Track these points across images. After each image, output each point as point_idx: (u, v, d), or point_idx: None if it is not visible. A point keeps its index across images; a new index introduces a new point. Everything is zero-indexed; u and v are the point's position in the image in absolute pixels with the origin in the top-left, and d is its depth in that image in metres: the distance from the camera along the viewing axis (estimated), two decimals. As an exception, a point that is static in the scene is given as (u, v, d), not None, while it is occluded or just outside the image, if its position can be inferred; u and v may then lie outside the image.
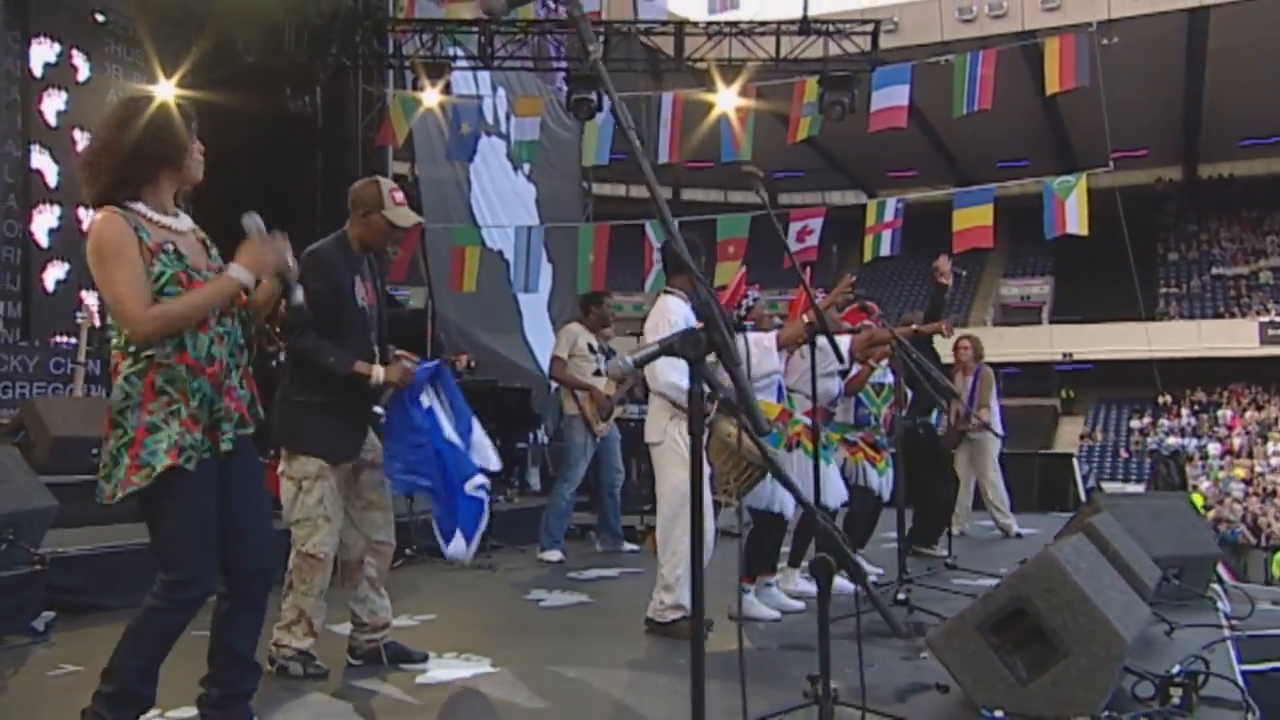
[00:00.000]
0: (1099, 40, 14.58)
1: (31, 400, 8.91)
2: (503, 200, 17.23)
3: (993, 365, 10.50)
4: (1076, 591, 3.79)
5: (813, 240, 14.05)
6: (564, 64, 14.82)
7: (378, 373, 4.56)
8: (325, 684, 4.51)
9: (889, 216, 14.00)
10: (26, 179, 12.16)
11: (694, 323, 5.28)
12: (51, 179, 12.38)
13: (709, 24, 13.93)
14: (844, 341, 6.62)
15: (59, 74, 12.56)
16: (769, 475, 5.83)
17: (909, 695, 4.38)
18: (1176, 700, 3.92)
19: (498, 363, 15.65)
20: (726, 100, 13.62)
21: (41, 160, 12.29)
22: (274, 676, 4.42)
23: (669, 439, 5.38)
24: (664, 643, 5.34)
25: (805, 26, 13.56)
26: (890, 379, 7.58)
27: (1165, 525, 6.59)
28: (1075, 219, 12.96)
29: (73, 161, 11.05)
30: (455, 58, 14.56)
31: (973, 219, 13.44)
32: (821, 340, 6.20)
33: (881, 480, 7.41)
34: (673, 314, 5.48)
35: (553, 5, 15.21)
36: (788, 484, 3.05)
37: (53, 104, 12.46)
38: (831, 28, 13.63)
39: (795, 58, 13.83)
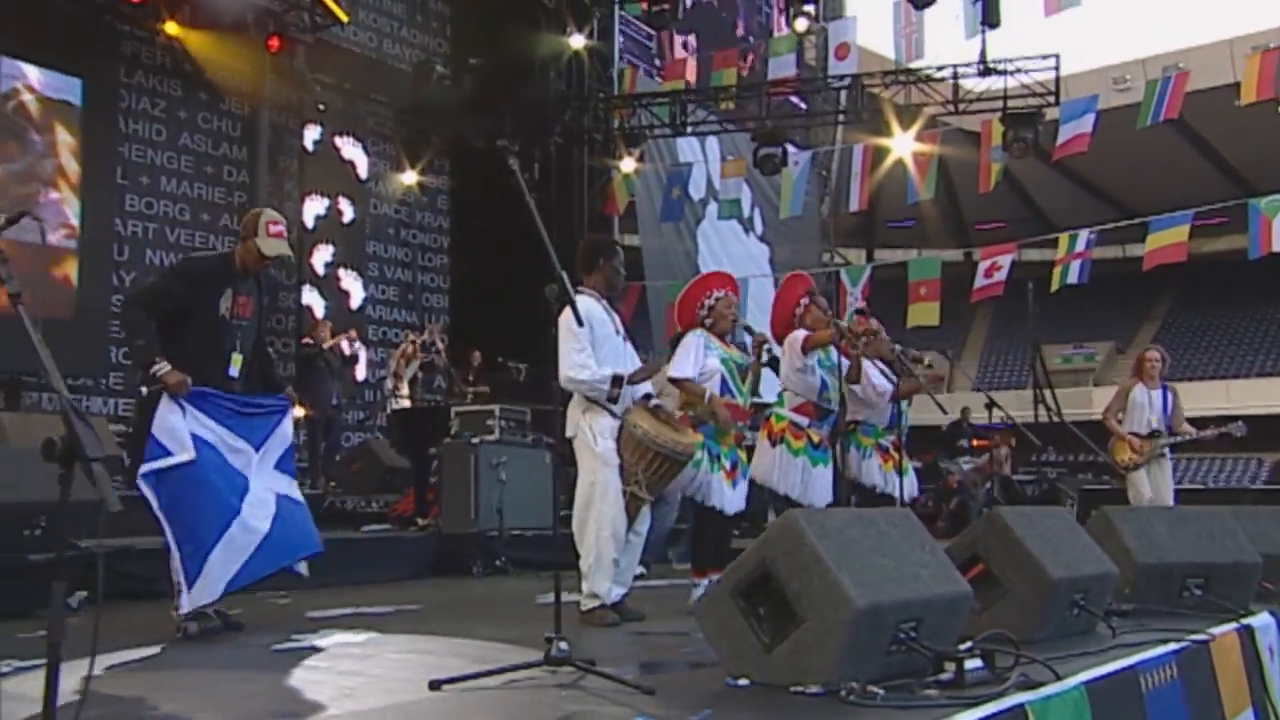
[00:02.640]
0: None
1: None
2: (733, 261, 17.11)
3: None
4: (813, 554, 3.22)
5: (1001, 275, 13.08)
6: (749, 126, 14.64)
7: (161, 369, 4.42)
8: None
9: (1080, 248, 12.84)
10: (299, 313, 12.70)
11: (600, 321, 4.95)
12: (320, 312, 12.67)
13: (887, 73, 13.39)
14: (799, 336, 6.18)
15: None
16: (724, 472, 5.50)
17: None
18: (949, 674, 3.28)
19: None
20: (904, 145, 13.00)
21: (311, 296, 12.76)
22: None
23: (581, 431, 5.00)
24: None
25: (985, 68, 12.74)
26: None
27: (1188, 532, 5.56)
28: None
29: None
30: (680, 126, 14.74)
31: (1167, 239, 12.27)
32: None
33: (910, 482, 6.77)
34: (584, 312, 5.03)
35: (745, 72, 15.14)
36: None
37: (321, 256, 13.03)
38: (1012, 66, 12.74)
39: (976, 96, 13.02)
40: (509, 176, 12.21)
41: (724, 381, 5.52)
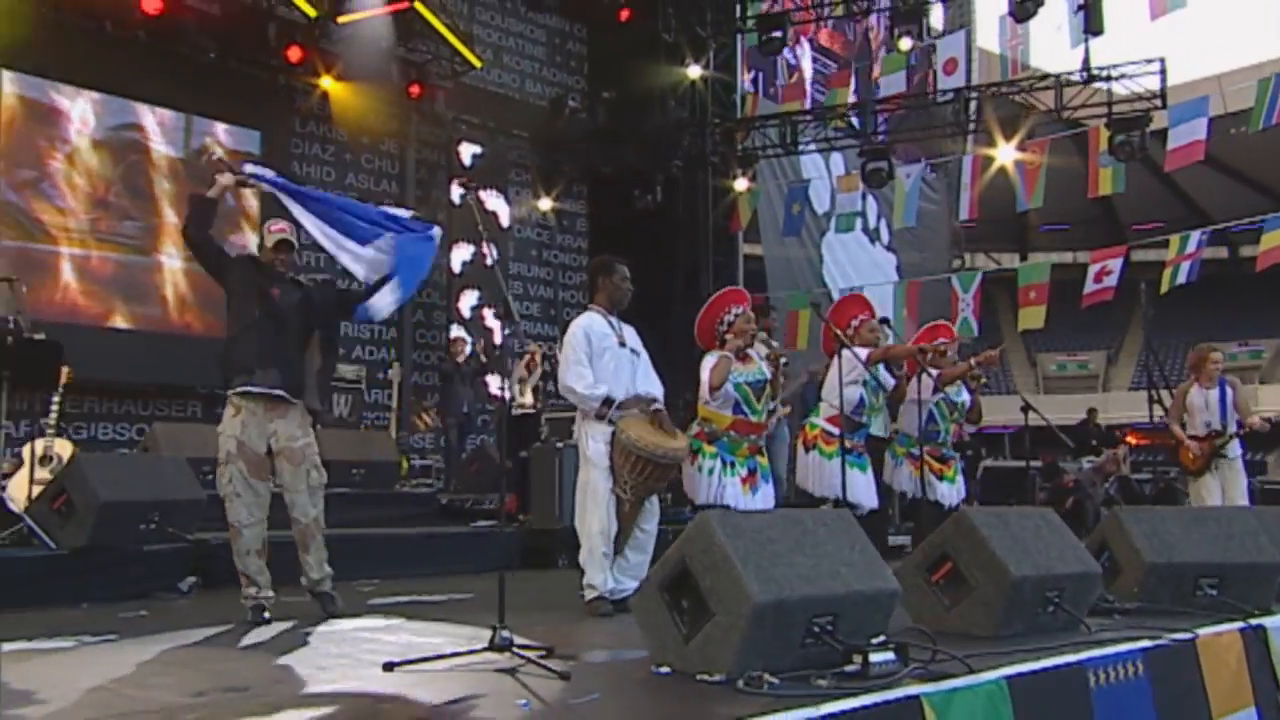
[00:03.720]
0: None
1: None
2: (858, 269, 17.03)
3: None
4: (722, 553, 3.35)
5: (1111, 280, 12.53)
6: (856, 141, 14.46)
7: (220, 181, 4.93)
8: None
9: (1191, 248, 12.18)
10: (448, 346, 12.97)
11: (600, 335, 5.13)
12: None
13: (991, 85, 13.03)
14: (863, 353, 6.16)
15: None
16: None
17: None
18: (855, 666, 3.34)
19: None
20: (1007, 154, 12.62)
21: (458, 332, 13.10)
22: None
23: (579, 436, 5.21)
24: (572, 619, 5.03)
25: (1089, 75, 12.26)
26: (966, 398, 6.86)
27: (1204, 533, 5.33)
28: None
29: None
30: (790, 146, 14.75)
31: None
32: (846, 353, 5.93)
33: (951, 489, 6.67)
34: (580, 328, 5.21)
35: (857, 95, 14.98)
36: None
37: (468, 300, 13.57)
38: (1116, 72, 12.21)
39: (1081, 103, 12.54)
40: (636, 200, 12.52)
41: (738, 402, 5.63)
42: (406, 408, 11.29)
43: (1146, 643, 4.40)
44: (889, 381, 6.27)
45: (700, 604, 3.42)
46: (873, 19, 16.93)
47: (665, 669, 3.44)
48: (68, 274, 10.61)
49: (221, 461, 4.76)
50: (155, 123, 11.41)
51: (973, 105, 13.06)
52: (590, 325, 5.14)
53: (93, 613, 5.02)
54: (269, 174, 5.05)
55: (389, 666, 3.39)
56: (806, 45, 18.04)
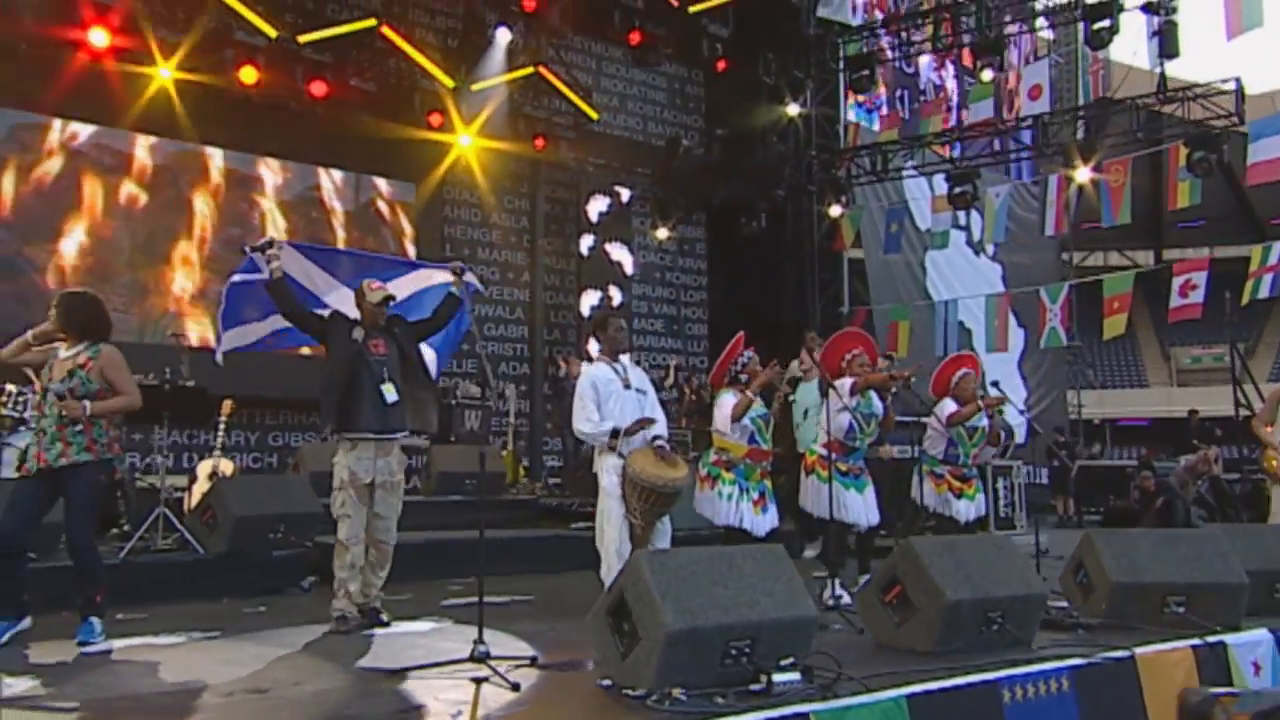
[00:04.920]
0: None
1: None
2: (962, 280, 16.65)
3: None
4: (645, 586, 3.67)
5: (1197, 296, 11.87)
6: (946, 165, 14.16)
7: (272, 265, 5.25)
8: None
9: (1272, 260, 11.44)
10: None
11: (605, 381, 5.40)
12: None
13: (1076, 108, 12.57)
14: (846, 383, 6.25)
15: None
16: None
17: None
18: (760, 685, 3.61)
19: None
20: (1084, 174, 12.18)
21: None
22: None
23: (596, 468, 5.45)
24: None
25: (1164, 95, 11.72)
26: (985, 423, 6.82)
27: (1174, 554, 5.24)
28: None
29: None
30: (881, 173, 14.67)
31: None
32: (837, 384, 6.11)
33: (970, 506, 6.65)
34: (587, 378, 5.49)
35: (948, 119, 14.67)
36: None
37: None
38: (1194, 93, 11.62)
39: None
40: (742, 227, 12.73)
41: (753, 434, 5.89)
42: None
43: (1077, 660, 4.46)
44: (879, 409, 6.35)
45: (632, 629, 3.75)
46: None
47: (607, 681, 3.77)
48: (259, 311, 11.76)
49: (336, 488, 5.14)
50: (329, 182, 12.46)
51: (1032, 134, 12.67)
52: (596, 375, 5.44)
53: (229, 606, 5.79)
54: (303, 245, 5.63)
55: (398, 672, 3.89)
56: (950, 67, 17.82)
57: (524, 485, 10.62)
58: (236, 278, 5.60)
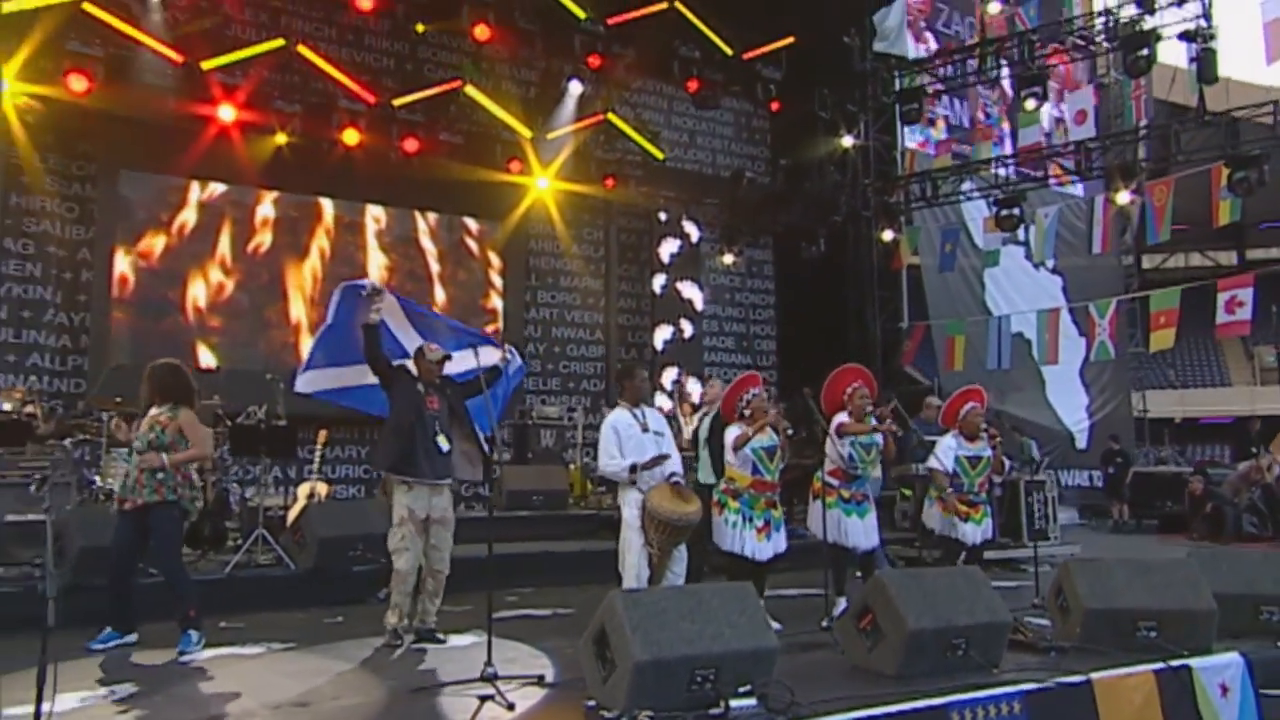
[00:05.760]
0: None
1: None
2: (1022, 293, 16.34)
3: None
4: (619, 621, 3.99)
5: (1245, 313, 11.42)
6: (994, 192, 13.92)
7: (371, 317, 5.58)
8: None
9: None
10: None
11: (625, 425, 5.69)
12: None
13: (1114, 135, 12.25)
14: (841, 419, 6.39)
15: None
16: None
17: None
18: (719, 710, 3.88)
19: (1007, 422, 15.13)
20: (1124, 197, 11.86)
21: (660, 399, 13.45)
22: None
23: (619, 502, 5.76)
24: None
25: (1202, 119, 11.35)
26: (989, 454, 6.85)
27: (1146, 582, 5.27)
28: None
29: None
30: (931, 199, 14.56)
31: None
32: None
33: (976, 530, 6.71)
34: (609, 424, 5.77)
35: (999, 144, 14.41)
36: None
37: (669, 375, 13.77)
38: (1231, 115, 11.22)
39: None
40: (802, 251, 12.87)
41: (754, 465, 6.08)
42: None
43: (1030, 685, 4.57)
44: (879, 439, 6.47)
45: (611, 657, 4.08)
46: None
47: (592, 702, 4.10)
48: (364, 341, 12.51)
49: (396, 523, 5.48)
50: (424, 223, 13.14)
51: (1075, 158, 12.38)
52: (617, 420, 5.75)
53: (313, 615, 6.36)
54: (397, 296, 6.06)
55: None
56: (1000, 95, 17.51)
57: (591, 499, 10.97)
58: (331, 319, 5.86)
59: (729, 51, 12.52)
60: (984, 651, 4.81)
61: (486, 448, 5.78)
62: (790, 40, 12.91)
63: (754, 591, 4.39)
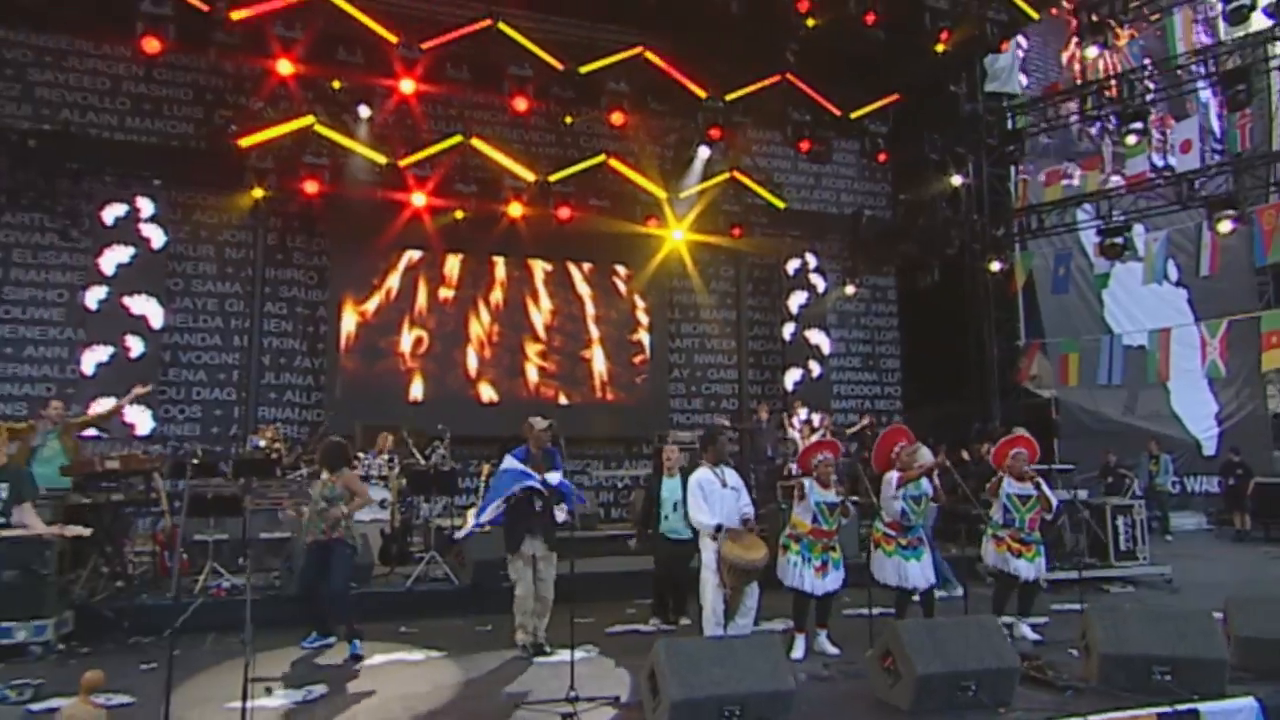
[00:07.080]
0: None
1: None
2: (1143, 308, 15.41)
3: None
4: (661, 665, 4.55)
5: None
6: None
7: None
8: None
9: None
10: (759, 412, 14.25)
11: (708, 483, 6.21)
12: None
13: (1215, 166, 11.40)
14: (894, 476, 6.55)
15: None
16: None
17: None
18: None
19: (1132, 433, 14.52)
20: (1226, 226, 11.05)
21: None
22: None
23: (703, 549, 6.21)
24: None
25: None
26: (1035, 493, 6.81)
27: (1160, 629, 5.26)
28: None
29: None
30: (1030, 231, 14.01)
31: None
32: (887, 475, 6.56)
33: (1029, 565, 6.71)
34: (695, 481, 6.27)
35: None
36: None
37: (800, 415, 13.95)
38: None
39: None
40: (917, 280, 12.97)
41: (815, 516, 6.42)
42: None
43: (1029, 728, 4.76)
44: (928, 488, 6.61)
45: (659, 692, 4.69)
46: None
47: (646, 728, 4.73)
48: (531, 374, 13.58)
49: (511, 559, 6.42)
50: (579, 272, 14.05)
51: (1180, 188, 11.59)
52: (701, 478, 6.30)
53: (469, 622, 7.30)
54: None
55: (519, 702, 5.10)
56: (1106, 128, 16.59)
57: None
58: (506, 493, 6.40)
59: (837, 113, 12.63)
60: (993, 693, 5.03)
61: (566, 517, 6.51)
62: (895, 98, 12.83)
63: (779, 642, 4.84)
